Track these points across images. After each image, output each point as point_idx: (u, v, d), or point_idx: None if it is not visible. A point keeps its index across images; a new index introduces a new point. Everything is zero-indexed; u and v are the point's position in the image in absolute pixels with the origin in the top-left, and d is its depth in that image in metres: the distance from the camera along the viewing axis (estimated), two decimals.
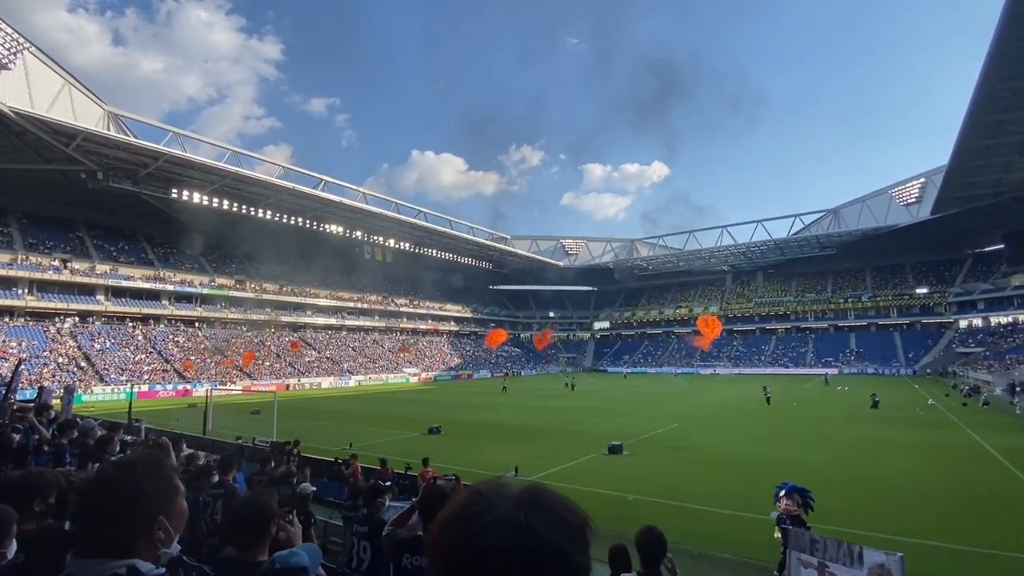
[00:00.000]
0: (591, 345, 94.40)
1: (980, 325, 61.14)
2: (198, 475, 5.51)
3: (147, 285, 51.91)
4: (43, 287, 45.72)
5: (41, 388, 12.67)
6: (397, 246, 71.36)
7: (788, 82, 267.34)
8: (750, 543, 9.09)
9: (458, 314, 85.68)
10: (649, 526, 3.60)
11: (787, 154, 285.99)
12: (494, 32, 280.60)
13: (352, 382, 54.97)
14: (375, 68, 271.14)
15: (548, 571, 0.64)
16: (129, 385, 37.37)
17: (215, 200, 50.33)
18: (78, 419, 7.52)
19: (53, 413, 8.62)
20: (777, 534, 6.65)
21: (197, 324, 54.80)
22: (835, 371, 60.89)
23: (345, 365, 58.99)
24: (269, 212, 55.14)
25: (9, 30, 34.59)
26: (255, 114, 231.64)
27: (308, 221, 59.06)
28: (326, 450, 16.07)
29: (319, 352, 59.77)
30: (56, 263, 46.97)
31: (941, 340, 63.27)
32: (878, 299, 71.41)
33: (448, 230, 73.35)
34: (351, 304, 70.09)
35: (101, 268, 49.69)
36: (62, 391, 13.16)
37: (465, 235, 76.28)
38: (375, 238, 68.21)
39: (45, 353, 40.35)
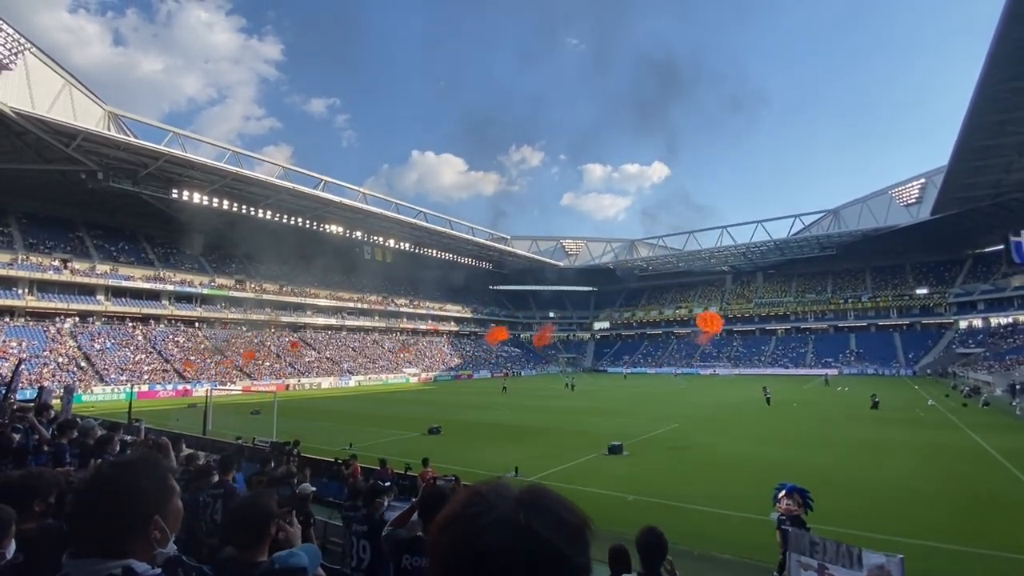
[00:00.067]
0: (591, 345, 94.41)
1: (980, 326, 61.13)
2: (198, 475, 5.51)
3: (147, 285, 51.92)
4: (43, 287, 45.73)
5: (41, 388, 12.67)
6: (397, 246, 71.38)
7: (788, 82, 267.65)
8: (750, 544, 9.09)
9: (458, 314, 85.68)
10: (650, 526, 3.60)
11: (787, 154, 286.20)
12: (494, 32, 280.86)
13: (352, 382, 54.96)
14: (375, 68, 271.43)
15: (548, 571, 0.64)
16: (129, 385, 37.37)
17: (215, 200, 50.34)
18: (78, 419, 7.52)
19: (53, 413, 8.62)
20: (778, 536, 6.66)
21: (197, 324, 54.79)
22: (835, 372, 60.87)
23: (345, 365, 58.98)
24: (269, 212, 55.15)
25: (10, 30, 34.60)
26: (255, 114, 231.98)
27: (308, 221, 59.07)
28: (326, 450, 16.07)
29: (319, 352, 59.77)
30: (56, 263, 46.98)
31: (941, 341, 63.26)
32: (878, 300, 71.41)
33: (448, 230, 73.36)
34: (351, 304, 70.09)
35: (101, 268, 49.69)
36: (62, 391, 13.16)
37: (465, 235, 76.30)
38: (375, 238, 68.22)
39: (45, 353, 40.34)
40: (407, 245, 71.54)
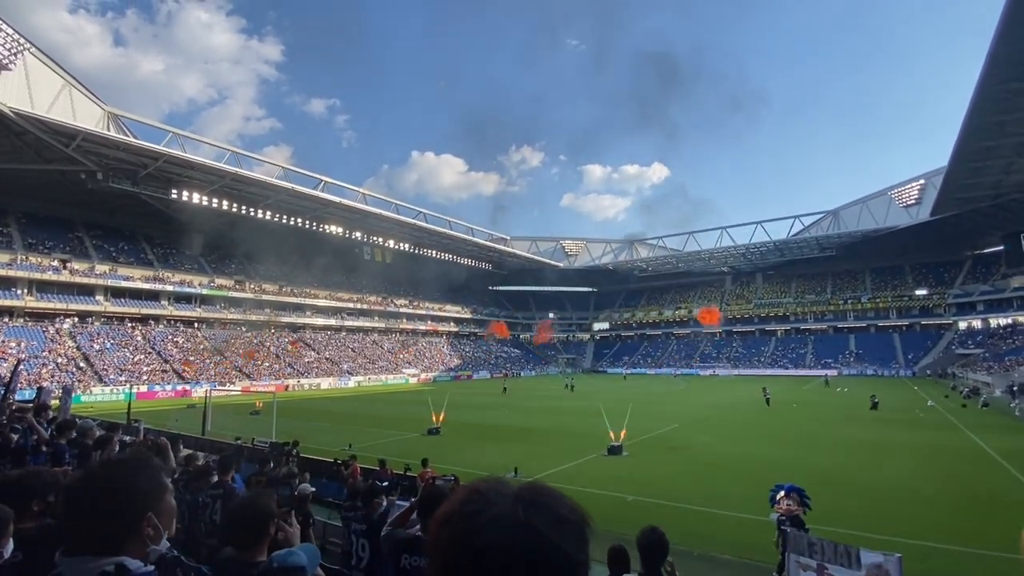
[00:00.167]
0: (590, 346, 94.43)
1: (979, 327, 61.17)
2: (197, 475, 5.51)
3: (146, 285, 51.89)
4: (42, 287, 45.70)
5: (40, 388, 12.66)
6: (397, 247, 71.38)
7: (788, 82, 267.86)
8: (750, 544, 9.09)
9: (458, 315, 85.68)
10: (651, 526, 3.59)
11: (787, 155, 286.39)
12: (494, 33, 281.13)
13: (351, 383, 54.93)
14: (375, 69, 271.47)
15: (547, 568, 0.64)
16: (128, 386, 37.35)
17: (215, 200, 50.33)
18: (77, 419, 7.52)
19: (52, 414, 8.62)
20: (775, 536, 6.68)
21: (196, 324, 54.76)
22: (834, 372, 60.90)
23: (344, 366, 58.96)
24: (269, 213, 55.14)
25: (10, 30, 34.60)
26: (255, 115, 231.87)
27: (308, 222, 59.07)
28: (325, 451, 16.07)
29: (318, 353, 59.74)
30: (55, 263, 46.95)
31: (940, 341, 63.32)
32: (877, 300, 71.46)
33: (448, 231, 73.36)
34: (350, 305, 70.08)
35: (100, 268, 49.67)
36: (60, 392, 13.14)
37: (465, 236, 76.30)
38: (375, 239, 68.22)
39: (44, 353, 40.31)
40: (407, 246, 71.55)
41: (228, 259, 63.07)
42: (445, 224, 74.64)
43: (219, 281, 58.77)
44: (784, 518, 6.59)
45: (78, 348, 43.23)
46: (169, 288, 53.44)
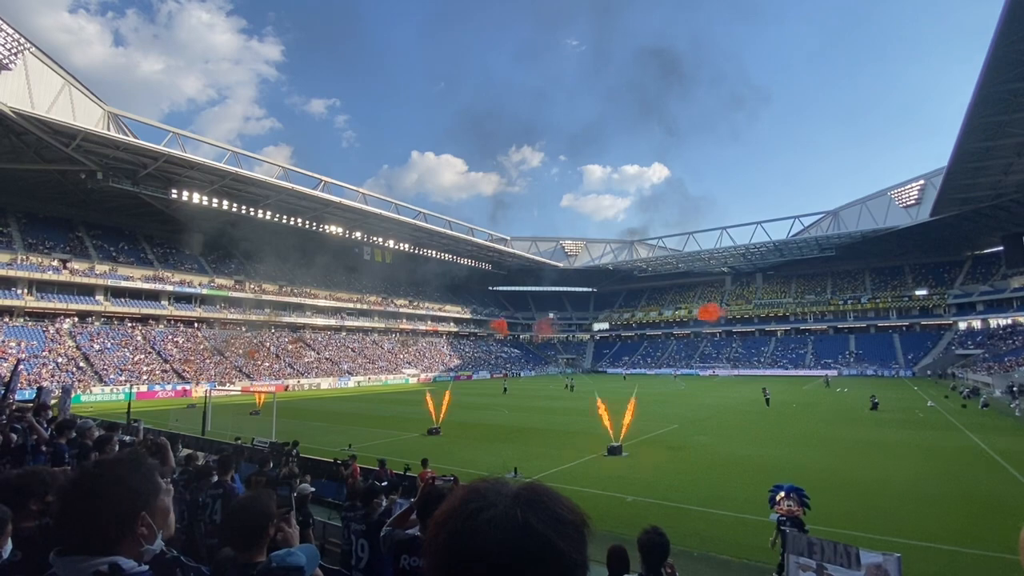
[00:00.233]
0: (590, 346, 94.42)
1: (979, 327, 61.17)
2: (197, 475, 5.52)
3: (146, 285, 51.89)
4: (42, 287, 45.70)
5: (40, 388, 12.65)
6: (397, 247, 71.36)
7: (788, 83, 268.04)
8: (749, 545, 9.09)
9: (458, 315, 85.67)
10: (653, 526, 3.57)
11: (787, 155, 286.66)
12: (494, 33, 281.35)
13: (351, 383, 54.93)
14: (375, 69, 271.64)
15: (545, 568, 0.64)
16: (128, 385, 37.36)
17: (215, 200, 50.32)
18: (77, 419, 7.51)
19: (51, 414, 8.61)
20: (773, 536, 6.69)
21: (196, 324, 54.77)
22: (834, 373, 60.91)
23: (344, 366, 58.95)
24: (269, 213, 55.13)
25: (10, 30, 34.59)
26: (255, 115, 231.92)
27: (308, 222, 59.06)
28: (325, 451, 16.08)
29: (318, 353, 59.74)
30: (55, 263, 46.95)
31: (940, 342, 63.32)
32: (877, 301, 71.47)
33: (448, 231, 73.35)
34: (350, 305, 70.08)
35: (100, 268, 49.67)
36: (59, 391, 13.13)
37: (465, 236, 76.29)
38: (375, 239, 68.21)
39: (44, 353, 40.31)
40: (407, 246, 71.54)
41: (228, 259, 63.08)
42: (445, 224, 74.65)
43: (219, 281, 58.77)
44: (784, 519, 6.59)
45: (78, 348, 43.23)
46: (169, 288, 53.44)
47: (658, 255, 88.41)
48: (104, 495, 1.21)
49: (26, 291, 44.51)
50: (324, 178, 57.75)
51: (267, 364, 52.59)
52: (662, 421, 25.65)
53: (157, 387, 41.87)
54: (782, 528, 6.31)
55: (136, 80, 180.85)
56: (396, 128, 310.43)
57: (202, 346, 51.79)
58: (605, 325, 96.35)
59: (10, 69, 35.30)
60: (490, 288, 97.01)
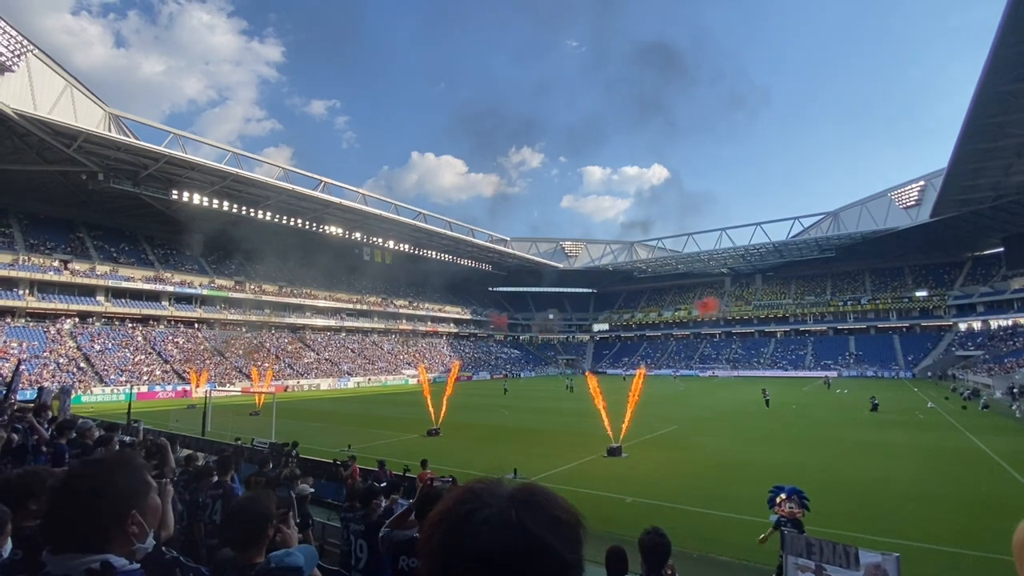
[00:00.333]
0: (590, 347, 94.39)
1: (979, 328, 61.13)
2: (197, 476, 5.52)
3: (147, 286, 51.93)
4: (43, 288, 45.73)
5: (41, 389, 12.67)
6: (397, 248, 71.36)
7: (788, 83, 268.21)
8: (749, 546, 9.06)
9: (457, 316, 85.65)
10: (654, 527, 3.56)
11: (786, 156, 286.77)
12: (494, 33, 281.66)
13: (351, 383, 54.92)
14: (376, 70, 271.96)
15: (540, 568, 0.64)
16: (128, 386, 37.36)
17: (215, 201, 50.35)
18: (77, 419, 7.52)
19: (51, 414, 8.62)
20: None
21: (196, 325, 54.79)
22: (834, 374, 60.89)
23: (344, 367, 58.95)
24: (269, 213, 55.15)
25: (13, 32, 34.65)
26: (256, 116, 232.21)
27: (307, 222, 59.08)
28: (325, 451, 16.08)
29: (318, 354, 59.73)
30: (56, 264, 47.00)
31: (940, 343, 63.27)
32: (877, 302, 71.43)
33: (448, 232, 73.37)
34: (350, 305, 70.10)
35: (101, 269, 49.71)
36: (58, 392, 13.13)
37: (465, 237, 76.30)
38: (374, 239, 68.22)
39: (45, 354, 40.33)
40: (407, 246, 71.54)
41: (228, 260, 63.11)
42: (445, 225, 74.68)
43: (219, 282, 58.79)
44: (784, 520, 6.60)
45: (79, 348, 43.25)
46: (169, 289, 53.47)
47: (658, 256, 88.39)
48: (93, 494, 1.23)
49: (27, 292, 44.54)
50: (324, 179, 57.81)
51: (266, 365, 52.61)
52: (662, 422, 25.64)
53: (157, 388, 41.89)
54: (781, 529, 6.31)
55: (137, 81, 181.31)
56: (396, 129, 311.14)
57: (202, 347, 51.80)
58: (605, 326, 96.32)
59: (13, 71, 35.35)
60: (490, 289, 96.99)
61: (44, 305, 44.99)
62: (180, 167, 45.37)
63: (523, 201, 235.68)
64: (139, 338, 48.29)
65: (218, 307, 57.28)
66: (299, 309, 64.27)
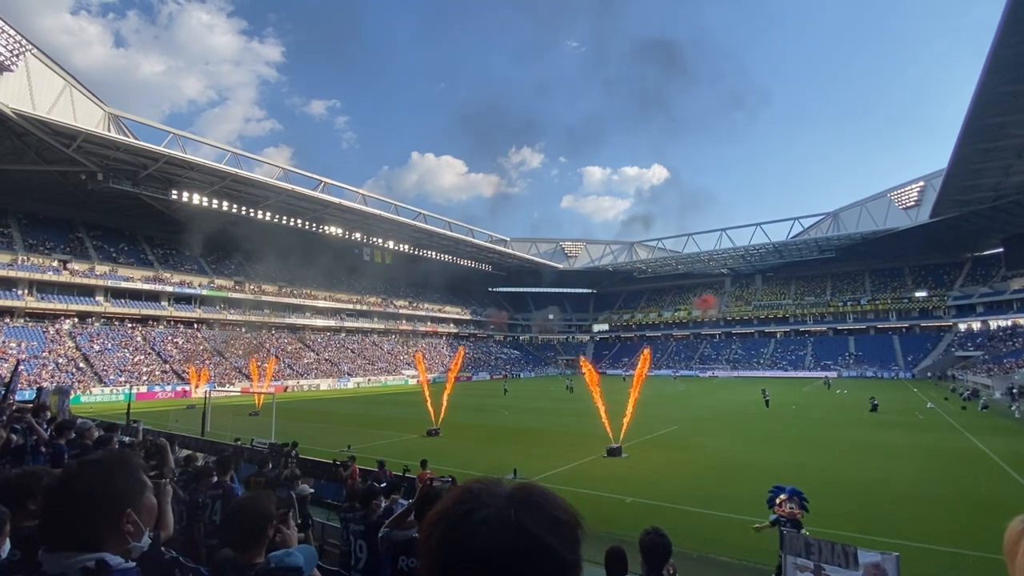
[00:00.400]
0: (590, 347, 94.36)
1: (979, 328, 61.15)
2: (197, 476, 5.52)
3: (146, 286, 51.90)
4: (43, 288, 45.70)
5: (40, 389, 12.66)
6: (396, 248, 71.35)
7: (788, 84, 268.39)
8: (749, 546, 9.08)
9: (457, 316, 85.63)
10: (655, 528, 3.56)
11: (786, 157, 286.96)
12: (495, 33, 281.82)
13: (351, 384, 54.91)
14: (376, 70, 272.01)
15: (538, 569, 0.64)
16: (128, 386, 37.34)
17: (215, 201, 50.35)
18: (77, 419, 7.52)
19: (49, 414, 8.62)
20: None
21: (196, 325, 54.77)
22: (834, 374, 60.90)
23: (344, 367, 58.93)
24: (268, 214, 55.15)
25: (12, 32, 34.64)
26: (255, 116, 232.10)
27: (307, 223, 59.08)
28: (325, 452, 16.07)
29: (318, 354, 59.71)
30: (56, 264, 46.96)
31: (940, 343, 63.29)
32: (877, 302, 71.46)
33: (447, 232, 73.39)
34: (350, 306, 70.07)
35: (100, 269, 49.69)
36: (57, 392, 13.12)
37: (465, 237, 76.32)
38: (374, 240, 68.22)
39: (44, 354, 40.30)
40: (406, 247, 71.54)
41: (228, 260, 63.09)
42: (445, 225, 74.68)
43: (219, 282, 58.77)
44: (784, 520, 6.61)
45: (78, 349, 43.22)
46: (169, 289, 53.44)
47: (658, 256, 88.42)
48: (88, 493, 1.24)
49: (26, 292, 44.52)
50: (324, 179, 57.81)
51: (265, 365, 52.55)
52: (662, 422, 25.64)
53: (157, 388, 41.86)
54: (781, 528, 6.31)
55: (137, 81, 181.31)
56: (396, 129, 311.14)
57: (202, 347, 51.78)
58: (605, 326, 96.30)
59: (12, 70, 35.34)
60: (490, 289, 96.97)
61: (43, 305, 44.96)
62: (180, 167, 45.37)
63: (523, 201, 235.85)
64: (138, 338, 48.27)
65: (218, 307, 57.26)
66: (299, 309, 64.25)
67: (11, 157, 40.60)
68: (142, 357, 45.61)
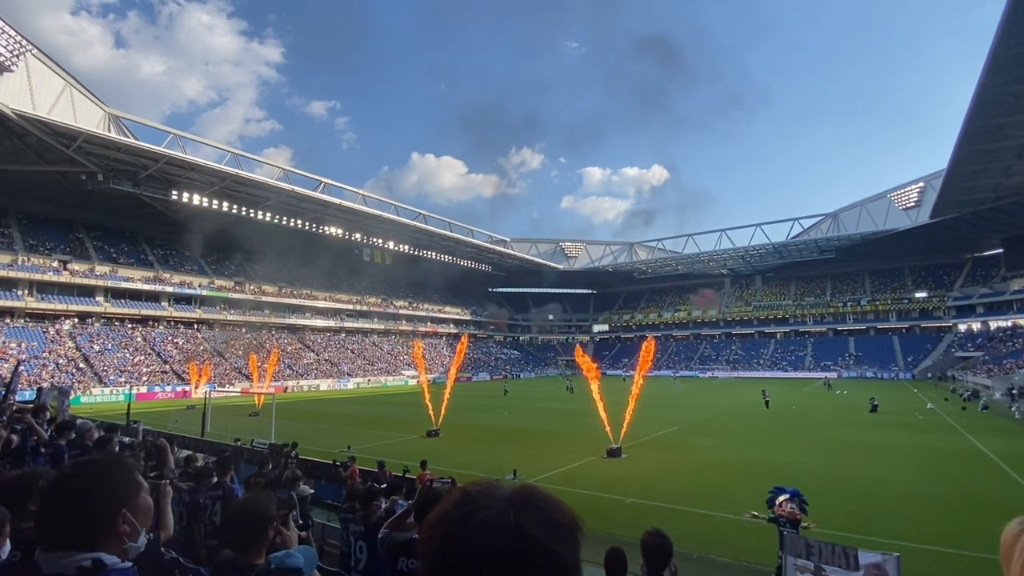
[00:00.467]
0: (590, 348, 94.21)
1: (979, 329, 61.16)
2: (197, 477, 5.52)
3: (146, 287, 51.90)
4: (43, 288, 45.70)
5: (40, 389, 12.66)
6: (396, 248, 71.34)
7: (788, 84, 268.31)
8: (749, 547, 9.09)
9: (457, 316, 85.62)
10: (656, 529, 3.56)
11: (786, 157, 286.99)
12: (495, 34, 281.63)
13: (351, 384, 54.89)
14: (376, 71, 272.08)
15: (538, 570, 0.64)
16: (128, 387, 37.34)
17: (215, 202, 50.35)
18: (77, 420, 7.52)
19: (49, 415, 8.62)
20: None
21: (196, 326, 54.76)
22: (834, 375, 60.91)
23: (344, 367, 58.92)
24: (269, 214, 55.16)
25: (12, 32, 34.66)
26: (255, 116, 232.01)
27: (307, 223, 59.08)
28: (325, 452, 16.06)
29: (317, 354, 59.70)
30: (56, 264, 46.96)
31: (940, 344, 63.28)
32: (877, 303, 71.46)
33: (447, 232, 73.39)
34: (350, 306, 70.07)
35: (101, 269, 49.68)
36: (56, 392, 13.11)
37: (464, 238, 76.32)
38: (374, 240, 68.23)
39: (44, 354, 40.30)
40: (406, 247, 71.53)
41: (228, 260, 63.09)
42: (445, 226, 74.68)
43: (219, 282, 58.77)
44: (784, 520, 6.61)
45: (78, 349, 43.22)
46: (169, 289, 53.44)
47: (658, 257, 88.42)
48: (84, 493, 1.24)
49: (26, 292, 44.51)
50: (324, 180, 57.82)
51: (265, 365, 52.53)
52: (661, 423, 25.65)
53: (157, 388, 41.86)
54: (780, 528, 6.32)
55: (137, 82, 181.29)
56: (396, 130, 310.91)
57: (202, 347, 51.77)
58: (605, 327, 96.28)
59: (12, 71, 35.35)
60: (490, 289, 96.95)
61: (43, 306, 44.96)
62: (180, 167, 45.38)
63: (523, 202, 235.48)
64: (138, 339, 48.26)
65: (218, 308, 57.25)
66: (299, 310, 64.25)
67: (11, 157, 40.61)
68: (142, 357, 45.61)
